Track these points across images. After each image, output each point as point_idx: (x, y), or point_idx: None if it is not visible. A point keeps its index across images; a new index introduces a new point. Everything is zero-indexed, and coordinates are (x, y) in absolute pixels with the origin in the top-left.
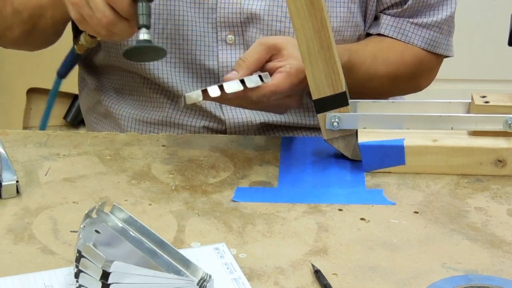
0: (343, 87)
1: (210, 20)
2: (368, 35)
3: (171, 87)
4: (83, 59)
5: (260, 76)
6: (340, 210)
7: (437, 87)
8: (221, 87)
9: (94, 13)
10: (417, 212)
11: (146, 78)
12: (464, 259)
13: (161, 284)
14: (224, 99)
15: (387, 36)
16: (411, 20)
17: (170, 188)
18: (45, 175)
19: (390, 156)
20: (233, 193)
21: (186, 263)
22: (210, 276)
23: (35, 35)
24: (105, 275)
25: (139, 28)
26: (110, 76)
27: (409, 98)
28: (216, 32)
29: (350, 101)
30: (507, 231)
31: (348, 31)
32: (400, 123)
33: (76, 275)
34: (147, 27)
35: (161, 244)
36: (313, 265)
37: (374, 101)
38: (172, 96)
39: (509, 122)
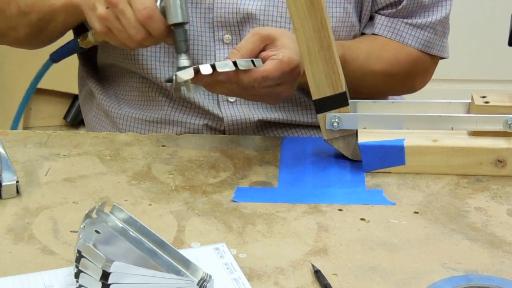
0: (343, 87)
1: (207, 20)
2: (363, 35)
3: (169, 85)
4: (83, 58)
5: (252, 61)
6: (340, 210)
7: (437, 87)
8: (213, 66)
9: (125, 28)
10: (417, 212)
11: (145, 77)
12: (464, 259)
13: (161, 284)
14: (216, 82)
15: (382, 36)
16: (405, 20)
17: (170, 188)
18: (45, 175)
19: (390, 156)
20: (233, 193)
21: (186, 263)
22: (210, 276)
23: (41, 37)
24: (105, 275)
25: (179, 53)
26: (109, 75)
27: (409, 98)
28: (213, 32)
29: (350, 101)
30: (507, 231)
31: (343, 31)
32: (400, 123)
33: (76, 275)
34: (187, 53)
35: (161, 244)
36: (313, 265)
37: (374, 101)
38: (171, 95)
39: (509, 122)
